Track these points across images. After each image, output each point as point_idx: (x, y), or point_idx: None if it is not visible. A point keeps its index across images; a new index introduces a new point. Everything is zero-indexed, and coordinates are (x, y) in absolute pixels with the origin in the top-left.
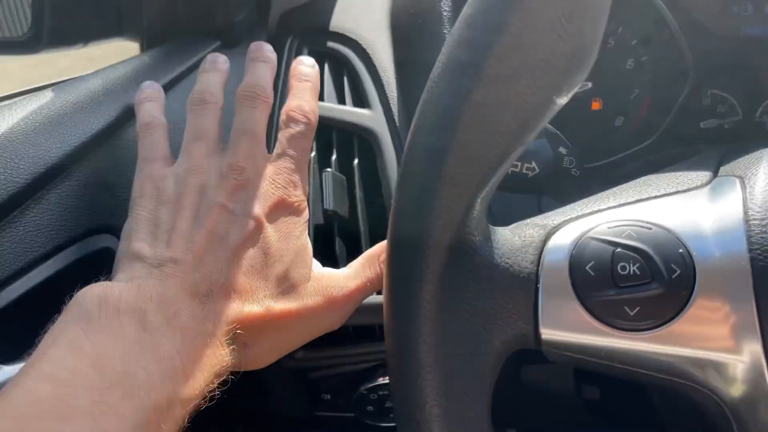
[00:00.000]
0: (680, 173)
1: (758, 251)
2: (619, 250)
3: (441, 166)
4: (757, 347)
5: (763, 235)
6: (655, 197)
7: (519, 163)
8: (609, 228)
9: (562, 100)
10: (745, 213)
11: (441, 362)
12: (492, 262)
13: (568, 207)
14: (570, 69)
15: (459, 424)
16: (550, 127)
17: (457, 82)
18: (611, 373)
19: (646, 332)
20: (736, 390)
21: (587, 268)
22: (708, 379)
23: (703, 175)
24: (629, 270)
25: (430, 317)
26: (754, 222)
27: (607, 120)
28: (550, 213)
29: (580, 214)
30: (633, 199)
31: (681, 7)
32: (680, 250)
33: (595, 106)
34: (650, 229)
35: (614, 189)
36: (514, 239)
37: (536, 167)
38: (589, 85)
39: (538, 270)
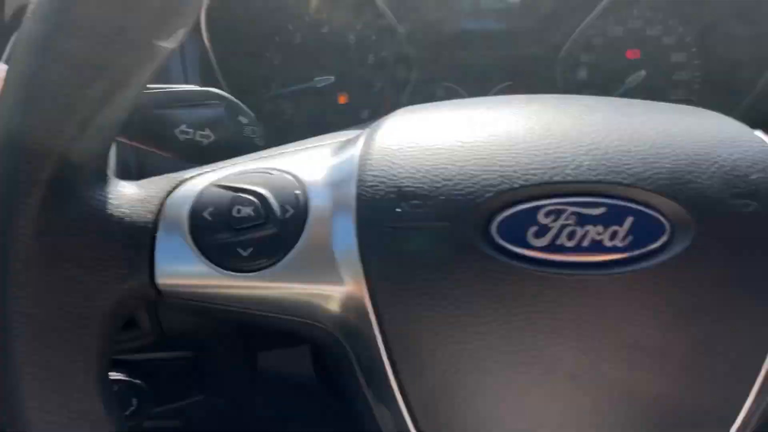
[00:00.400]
0: (333, 134)
1: (362, 188)
2: (237, 194)
3: (30, 109)
4: (359, 277)
5: (369, 173)
6: (293, 151)
7: (192, 131)
8: (234, 175)
9: (166, 44)
10: (361, 157)
11: (36, 323)
12: (104, 212)
13: (212, 164)
14: (165, 12)
15: (60, 397)
16: (230, 96)
17: (53, 18)
18: (234, 318)
19: (258, 272)
20: (343, 319)
21: (205, 213)
22: (318, 312)
23: (348, 134)
24: (243, 212)
25: (23, 270)
26: (365, 163)
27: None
28: (191, 169)
29: (217, 168)
30: (269, 154)
31: (404, 4)
32: (296, 192)
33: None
34: (272, 174)
35: (264, 150)
36: (139, 191)
37: (211, 134)
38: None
39: (157, 219)
